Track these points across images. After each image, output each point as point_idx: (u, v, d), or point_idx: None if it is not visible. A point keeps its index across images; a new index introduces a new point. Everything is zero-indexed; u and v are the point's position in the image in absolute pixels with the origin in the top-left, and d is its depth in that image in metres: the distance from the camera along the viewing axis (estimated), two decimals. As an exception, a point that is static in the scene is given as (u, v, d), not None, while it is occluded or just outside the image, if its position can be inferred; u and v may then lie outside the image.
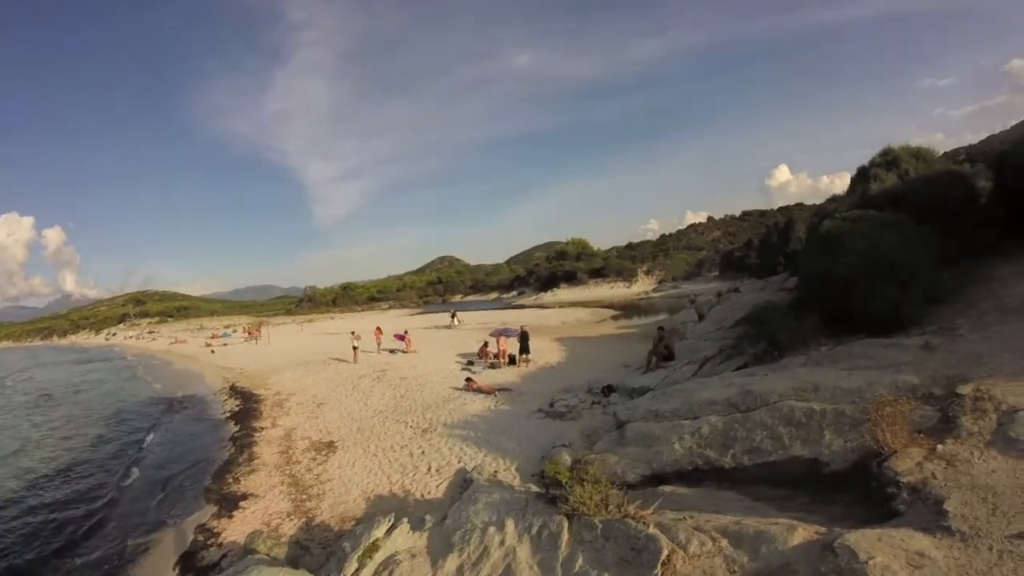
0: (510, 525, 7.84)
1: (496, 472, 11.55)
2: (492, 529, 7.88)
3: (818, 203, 69.86)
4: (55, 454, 23.07)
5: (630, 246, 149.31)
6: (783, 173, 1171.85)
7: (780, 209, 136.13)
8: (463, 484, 10.62)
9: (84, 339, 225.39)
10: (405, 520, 8.96)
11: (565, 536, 7.19)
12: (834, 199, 38.15)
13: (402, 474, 12.95)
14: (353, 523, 10.72)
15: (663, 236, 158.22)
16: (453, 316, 63.02)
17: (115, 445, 23.47)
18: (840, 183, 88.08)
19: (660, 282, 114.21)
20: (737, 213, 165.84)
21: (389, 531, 8.66)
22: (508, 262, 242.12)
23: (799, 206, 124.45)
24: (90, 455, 22.21)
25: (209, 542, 11.72)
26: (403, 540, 8.57)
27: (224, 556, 10.67)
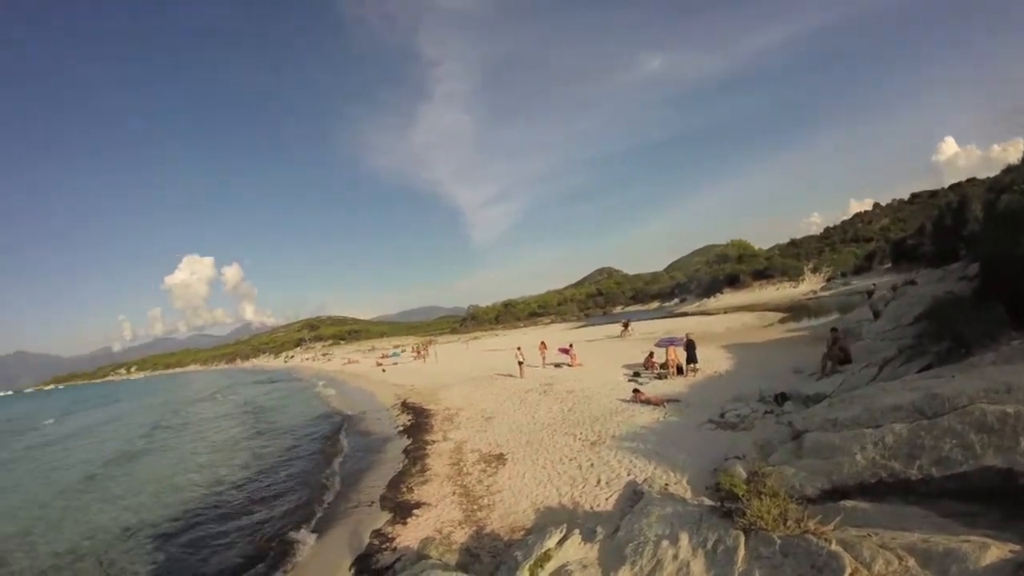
0: (684, 539, 7.63)
1: (667, 485, 11.29)
2: (666, 543, 7.72)
3: (992, 175, 62.35)
4: (251, 459, 26.19)
5: (793, 243, 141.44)
6: (949, 146, 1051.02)
7: (952, 187, 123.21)
8: (633, 497, 10.49)
9: (264, 362, 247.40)
10: (577, 531, 8.98)
11: (741, 551, 6.90)
12: (1010, 169, 35.33)
13: (571, 486, 13.00)
14: (523, 533, 10.88)
15: (827, 229, 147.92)
16: (626, 326, 62.35)
17: (300, 453, 25.93)
18: (1014, 151, 77.89)
19: (828, 279, 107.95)
20: (905, 196, 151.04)
21: (561, 542, 8.72)
22: (667, 269, 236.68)
23: (972, 181, 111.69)
24: (280, 461, 24.81)
25: (384, 546, 12.46)
26: (575, 551, 8.59)
27: (398, 560, 11.22)
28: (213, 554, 14.62)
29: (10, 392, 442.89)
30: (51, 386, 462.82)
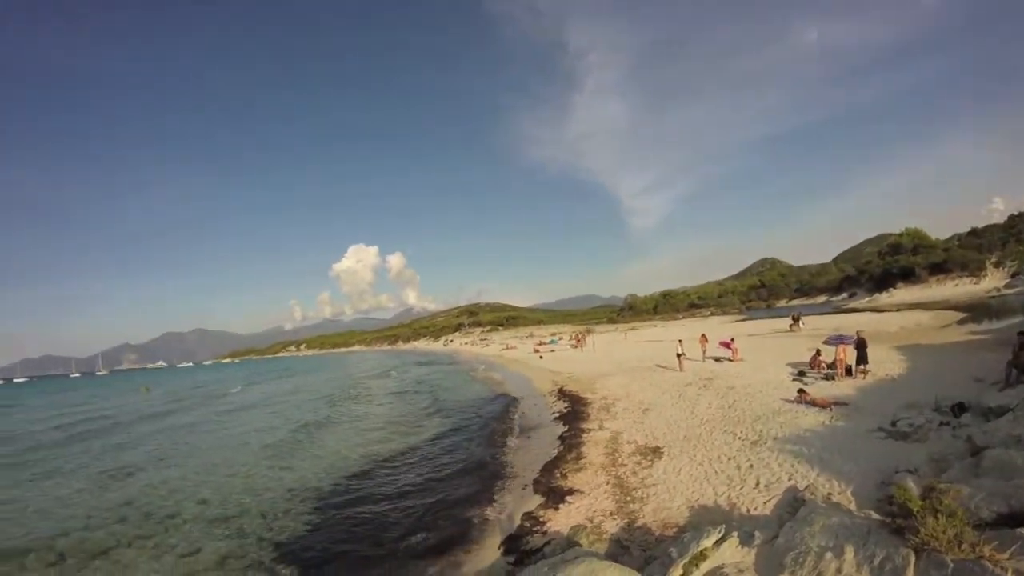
0: (849, 552, 7.32)
1: (829, 494, 10.74)
2: (829, 555, 7.45)
3: None
4: (416, 435, 28.12)
5: (974, 232, 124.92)
6: None
7: None
8: (792, 503, 10.13)
9: (424, 345, 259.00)
10: (735, 533, 8.81)
11: (910, 572, 6.53)
12: None
13: (728, 486, 12.69)
14: (674, 530, 10.82)
15: (1012, 217, 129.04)
16: (796, 320, 59.22)
17: (460, 433, 27.47)
18: None
19: (1013, 275, 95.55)
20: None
21: (718, 542, 8.60)
22: (835, 260, 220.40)
23: None
24: (442, 439, 26.35)
25: (534, 529, 12.87)
26: (731, 553, 8.44)
27: (547, 544, 11.50)
28: (366, 523, 15.80)
29: (190, 364, 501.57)
30: (227, 360, 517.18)
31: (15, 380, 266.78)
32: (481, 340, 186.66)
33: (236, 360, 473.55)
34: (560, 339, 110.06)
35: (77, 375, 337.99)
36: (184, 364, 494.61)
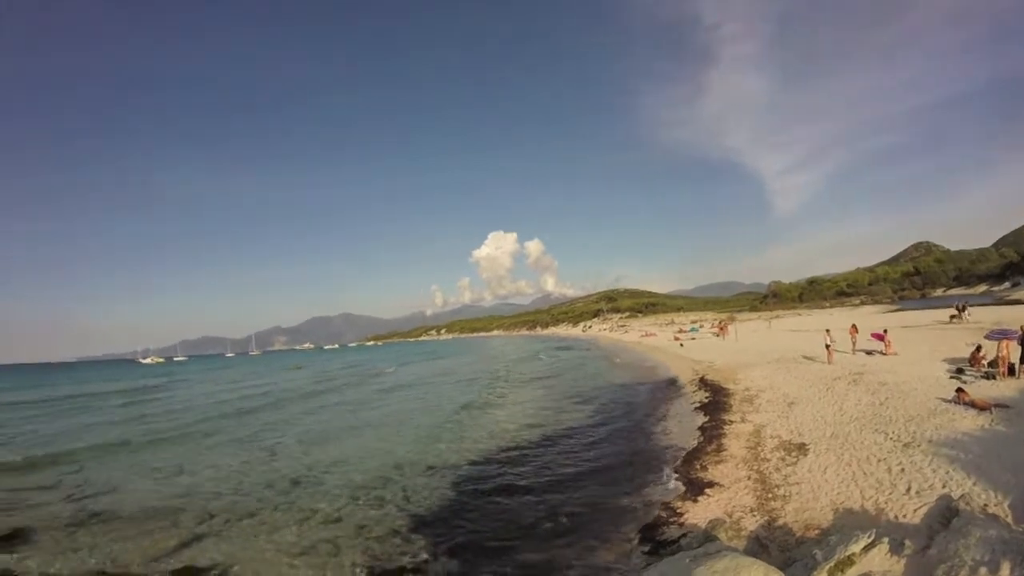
0: (1005, 568, 7.16)
1: (986, 505, 10.19)
2: (984, 570, 7.27)
3: None
4: (561, 419, 28.85)
5: None
6: None
7: None
8: (945, 513, 9.76)
9: (563, 331, 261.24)
10: (885, 540, 8.60)
11: (1071, 594, 6.22)
12: None
13: (876, 490, 12.27)
14: (817, 532, 10.69)
15: None
16: (961, 311, 54.91)
17: (601, 418, 28.08)
18: None
19: None
20: None
21: (867, 548, 8.45)
22: (995, 245, 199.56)
23: None
24: (584, 424, 26.99)
25: (671, 520, 13.04)
26: (880, 561, 8.30)
27: (684, 536, 11.66)
28: (503, 504, 16.55)
29: (336, 345, 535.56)
30: (371, 342, 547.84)
31: (175, 359, 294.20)
32: (620, 327, 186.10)
33: (379, 343, 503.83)
34: (701, 327, 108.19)
35: (231, 355, 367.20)
36: (330, 346, 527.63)
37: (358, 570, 12.55)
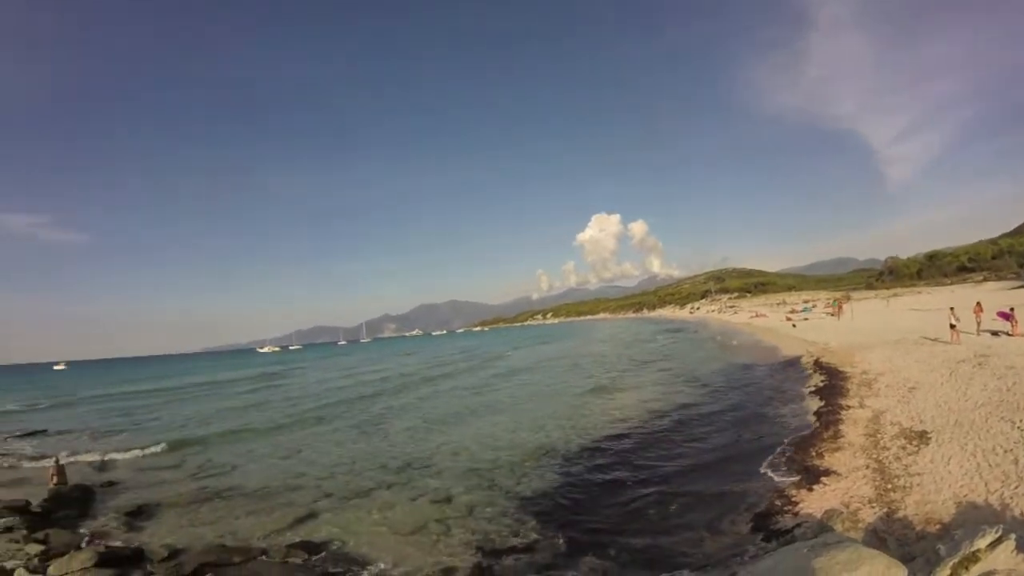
0: None
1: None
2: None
3: None
4: (667, 402, 29.13)
5: None
6: None
7: None
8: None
9: (670, 313, 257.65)
10: (1012, 537, 8.17)
11: None
12: None
13: (1003, 484, 11.60)
14: (938, 527, 10.29)
15: None
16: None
17: (713, 402, 27.90)
18: None
19: None
20: None
21: (992, 545, 8.02)
22: None
23: None
24: (692, 408, 27.06)
25: (785, 508, 12.82)
26: (1005, 559, 7.90)
27: (798, 525, 11.45)
28: (612, 486, 16.79)
29: (444, 332, 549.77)
30: (478, 328, 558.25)
31: (290, 348, 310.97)
32: (729, 307, 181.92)
33: (486, 328, 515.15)
34: (813, 306, 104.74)
35: (343, 343, 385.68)
36: (438, 332, 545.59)
37: (468, 549, 13.06)
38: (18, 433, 39.62)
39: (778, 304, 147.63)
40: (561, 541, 12.94)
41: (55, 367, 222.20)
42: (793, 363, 35.59)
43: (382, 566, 12.51)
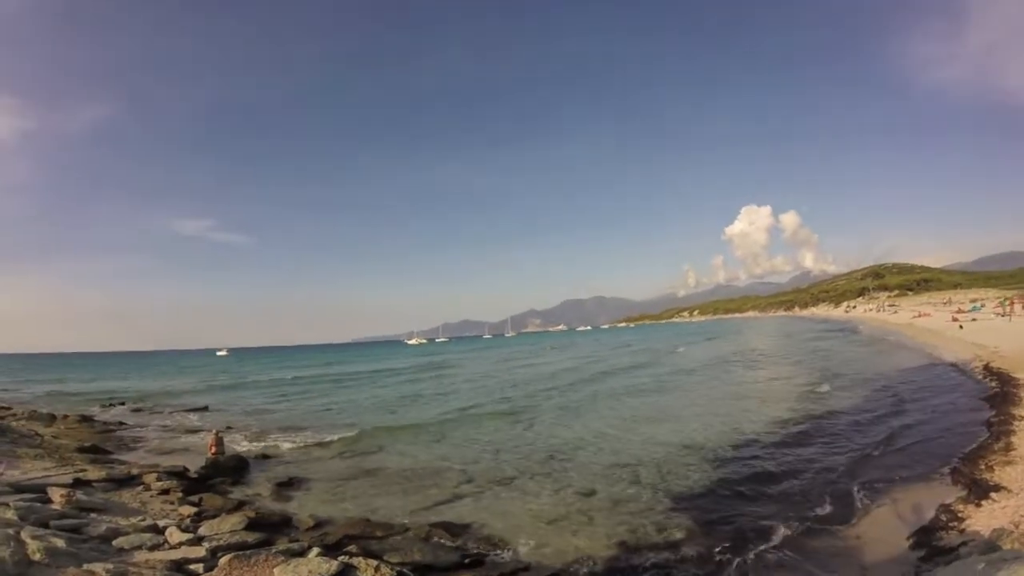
0: None
1: None
2: None
3: None
4: (824, 404, 28.33)
5: None
6: None
7: None
8: None
9: (823, 311, 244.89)
10: None
11: None
12: None
13: None
14: None
15: None
16: None
17: (870, 407, 26.31)
18: None
19: None
20: None
21: None
22: None
23: None
24: (849, 412, 25.61)
25: (951, 524, 11.93)
26: None
27: (963, 544, 10.60)
28: (761, 488, 16.10)
29: (588, 327, 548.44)
30: (623, 324, 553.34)
31: (436, 340, 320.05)
32: (889, 306, 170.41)
33: (631, 325, 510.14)
34: (982, 306, 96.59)
35: (489, 336, 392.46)
36: (583, 328, 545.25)
37: (610, 541, 12.95)
38: (184, 408, 43.45)
39: (943, 303, 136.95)
40: (707, 543, 12.54)
41: (218, 353, 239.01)
42: (960, 368, 33.13)
43: (523, 550, 12.63)
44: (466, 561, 11.91)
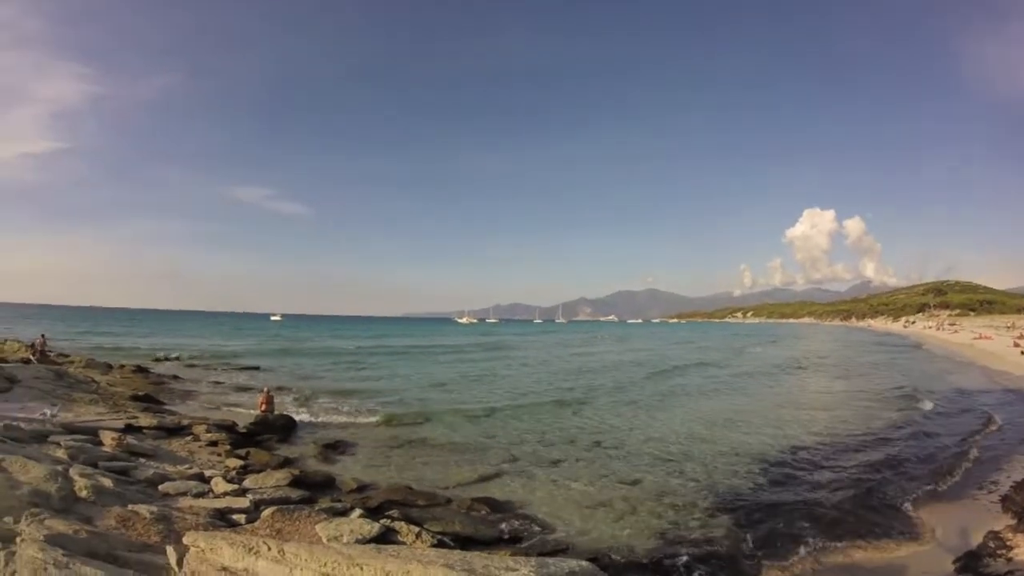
0: None
1: None
2: None
3: None
4: (879, 418, 27.53)
5: None
6: None
7: None
8: None
9: (881, 324, 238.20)
10: None
11: None
12: None
13: None
14: None
15: None
16: None
17: (924, 424, 25.71)
18: None
19: None
20: None
21: None
22: None
23: None
24: (903, 427, 25.10)
25: (999, 552, 11.44)
26: None
27: (1010, 572, 10.27)
28: (812, 494, 15.71)
29: (640, 320, 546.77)
30: (674, 320, 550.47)
31: (487, 320, 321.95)
32: (949, 325, 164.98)
33: (683, 321, 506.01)
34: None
35: (539, 321, 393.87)
36: (634, 320, 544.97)
37: (651, 531, 12.85)
38: (238, 367, 44.54)
39: (1007, 327, 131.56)
40: (747, 541, 12.32)
41: (272, 318, 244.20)
42: (1013, 390, 31.77)
43: (563, 533, 12.57)
44: (505, 537, 11.94)
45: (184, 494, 11.93)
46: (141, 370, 36.50)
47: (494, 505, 13.97)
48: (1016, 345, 68.40)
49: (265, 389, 24.00)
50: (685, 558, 11.30)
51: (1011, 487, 15.43)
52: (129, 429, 17.72)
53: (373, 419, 25.03)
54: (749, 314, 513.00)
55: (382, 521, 10.93)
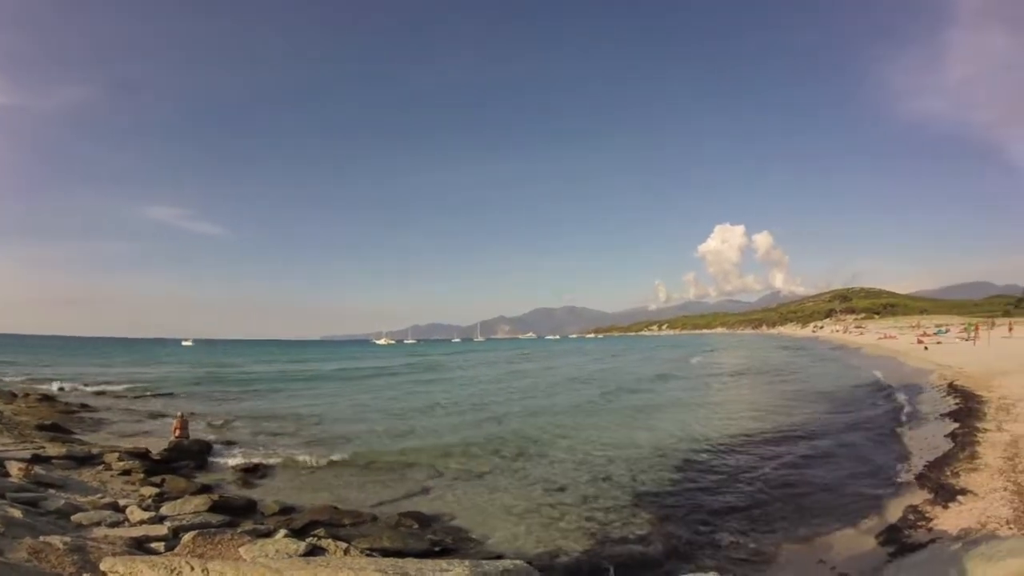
0: None
1: None
2: None
3: None
4: (790, 415, 28.83)
5: None
6: None
7: None
8: None
9: (790, 331, 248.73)
10: None
11: None
12: None
13: None
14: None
15: None
16: None
17: (839, 418, 27.24)
18: None
19: None
20: None
21: None
22: None
23: None
24: (818, 422, 26.54)
25: (919, 523, 12.14)
26: None
27: (932, 541, 10.87)
28: (734, 490, 16.30)
29: (558, 336, 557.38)
30: (591, 335, 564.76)
31: (405, 341, 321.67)
32: (855, 328, 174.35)
33: (600, 336, 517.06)
34: (947, 330, 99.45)
35: (458, 340, 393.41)
36: (552, 336, 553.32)
37: (580, 534, 13.03)
38: (149, 393, 42.74)
39: (911, 327, 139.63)
40: (676, 537, 12.69)
41: (183, 343, 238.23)
42: (925, 385, 33.89)
43: (492, 541, 12.65)
44: (437, 549, 11.84)
45: (98, 524, 11.37)
46: (47, 398, 34.61)
47: (422, 519, 13.84)
48: (919, 342, 72.93)
49: (179, 414, 23.11)
50: (613, 556, 11.51)
51: (924, 465, 16.38)
52: (37, 459, 16.73)
53: (293, 442, 24.43)
54: (664, 327, 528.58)
55: (308, 540, 10.70)
